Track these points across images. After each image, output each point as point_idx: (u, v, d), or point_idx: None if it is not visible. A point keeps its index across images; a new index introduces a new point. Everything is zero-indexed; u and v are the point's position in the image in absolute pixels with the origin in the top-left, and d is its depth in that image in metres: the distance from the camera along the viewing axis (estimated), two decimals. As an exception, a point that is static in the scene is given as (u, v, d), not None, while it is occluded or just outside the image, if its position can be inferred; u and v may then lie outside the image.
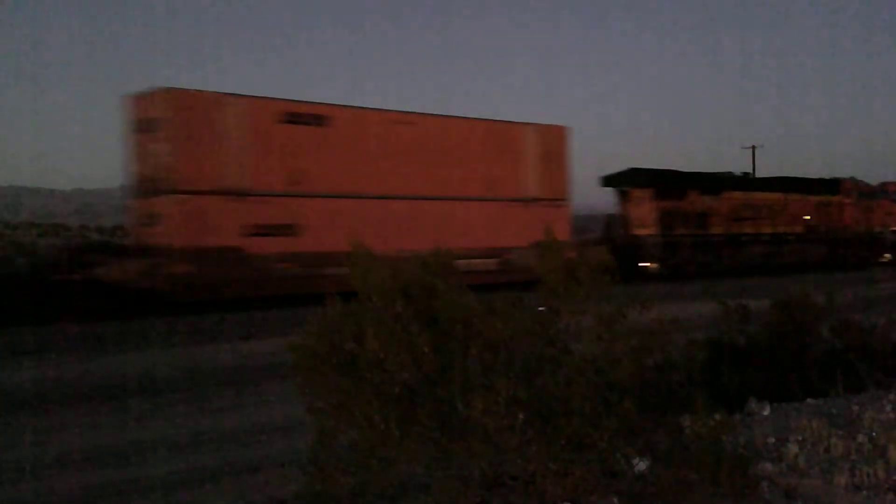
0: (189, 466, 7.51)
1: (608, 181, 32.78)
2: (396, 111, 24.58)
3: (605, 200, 34.45)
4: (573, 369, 4.11)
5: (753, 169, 52.13)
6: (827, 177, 39.42)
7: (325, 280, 17.21)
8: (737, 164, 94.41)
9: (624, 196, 32.47)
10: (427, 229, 22.12)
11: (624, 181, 32.32)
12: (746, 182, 36.27)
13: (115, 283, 18.51)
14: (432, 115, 25.42)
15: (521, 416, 3.95)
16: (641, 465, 4.29)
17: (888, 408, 6.62)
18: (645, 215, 31.58)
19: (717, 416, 4.38)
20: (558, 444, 3.97)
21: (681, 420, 4.35)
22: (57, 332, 15.66)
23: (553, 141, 27.71)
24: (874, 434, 5.88)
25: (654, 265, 30.60)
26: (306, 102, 22.55)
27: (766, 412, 6.73)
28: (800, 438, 5.81)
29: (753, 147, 56.50)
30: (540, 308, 4.54)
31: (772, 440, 5.81)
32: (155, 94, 20.11)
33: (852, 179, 39.99)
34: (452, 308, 4.35)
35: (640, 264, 29.93)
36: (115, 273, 18.81)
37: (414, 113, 24.87)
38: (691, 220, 32.50)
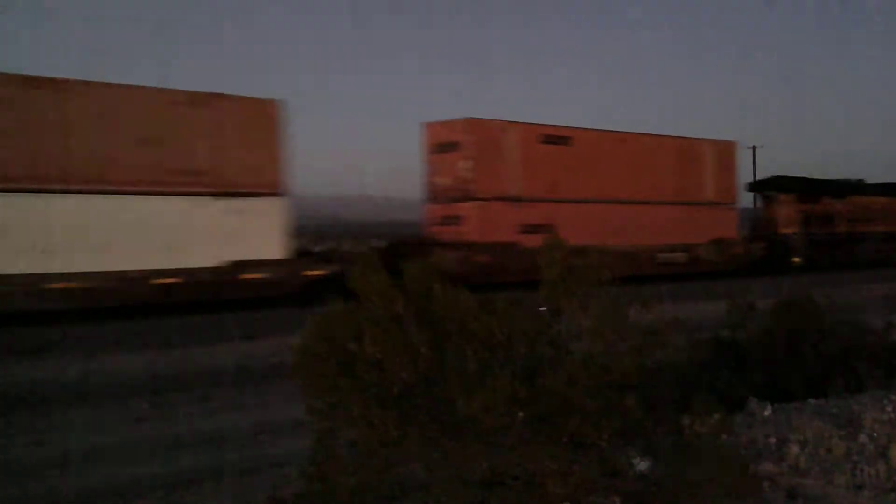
0: (189, 466, 7.51)
1: (754, 187, 38.01)
2: (618, 131, 29.78)
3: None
4: (574, 368, 4.09)
5: (754, 169, 53.79)
6: None
7: None
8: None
9: (770, 200, 36.80)
10: (639, 228, 28.43)
11: (770, 187, 36.87)
12: (864, 187, 40.40)
13: (452, 271, 21.43)
14: (639, 133, 30.85)
15: (520, 414, 3.94)
16: (643, 465, 4.28)
17: (889, 408, 6.61)
18: (790, 216, 35.96)
19: (718, 416, 4.37)
20: (559, 443, 3.96)
21: (682, 420, 4.34)
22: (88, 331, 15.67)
23: (726, 153, 32.77)
24: (875, 434, 5.87)
25: (798, 260, 35.15)
26: (556, 126, 27.77)
27: (768, 412, 6.72)
28: (801, 439, 5.80)
29: (754, 147, 57.05)
30: (541, 308, 4.53)
31: (773, 440, 5.80)
32: (455, 122, 25.93)
33: None
34: (450, 308, 4.34)
35: (791, 259, 34.65)
36: (446, 260, 23.10)
37: (628, 132, 30.30)
38: (824, 221, 37.34)
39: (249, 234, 19.68)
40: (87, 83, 18.38)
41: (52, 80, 17.92)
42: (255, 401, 10.23)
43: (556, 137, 27.19)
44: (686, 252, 30.16)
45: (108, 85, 18.70)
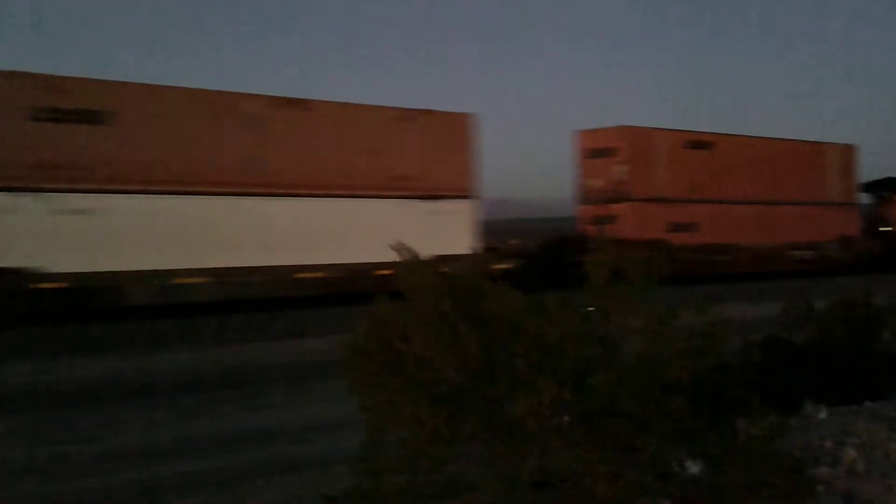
0: (241, 462, 7.61)
1: (868, 187, 38.21)
2: (753, 136, 31.69)
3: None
4: (623, 370, 4.05)
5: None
6: None
7: (716, 264, 28.30)
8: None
9: (884, 199, 37.59)
10: (772, 227, 30.56)
11: (884, 187, 37.66)
12: None
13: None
14: (772, 138, 32.32)
15: (566, 417, 3.91)
16: (694, 467, 4.22)
17: (951, 411, 6.42)
18: None
19: (773, 419, 4.29)
20: (608, 445, 3.93)
21: (735, 422, 4.27)
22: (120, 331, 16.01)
23: (847, 156, 34.46)
24: (936, 438, 5.71)
25: None
26: (698, 132, 29.93)
27: (823, 415, 6.57)
28: (858, 442, 5.66)
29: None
30: (589, 308, 4.50)
31: (829, 444, 5.68)
32: (609, 129, 28.26)
33: None
34: (500, 307, 4.32)
35: None
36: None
37: (761, 137, 31.92)
38: None
39: (446, 232, 22.02)
40: (325, 103, 21.44)
41: (299, 101, 20.96)
42: (306, 398, 10.33)
43: (699, 142, 29.50)
44: (814, 250, 32.08)
45: (341, 104, 21.69)
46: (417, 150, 22.24)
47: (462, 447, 4.24)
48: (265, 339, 15.38)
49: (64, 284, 17.14)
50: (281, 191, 20.01)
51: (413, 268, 4.66)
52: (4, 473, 7.34)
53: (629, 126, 28.26)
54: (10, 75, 16.98)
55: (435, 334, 4.28)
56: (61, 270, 17.11)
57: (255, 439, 8.45)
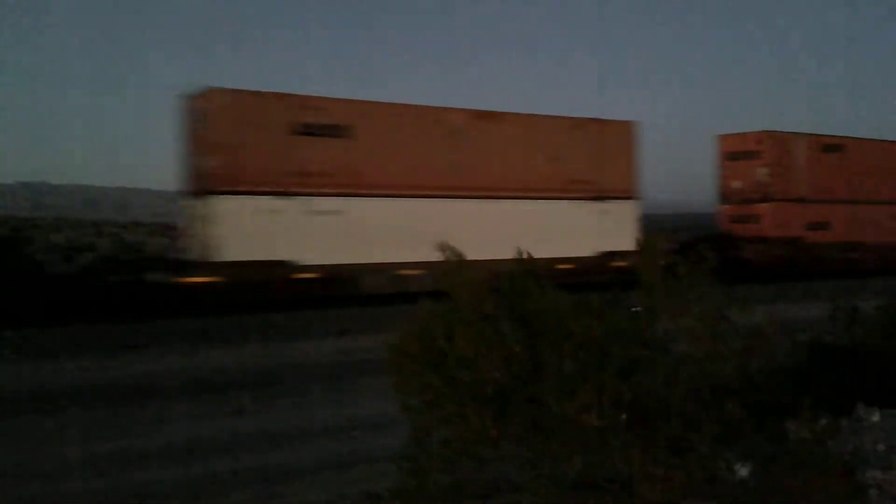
0: (287, 460, 7.67)
1: None
2: (882, 140, 33.71)
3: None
4: (672, 370, 4.00)
5: None
6: None
7: (849, 261, 30.37)
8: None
9: None
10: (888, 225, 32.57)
11: None
12: None
13: (752, 262, 28.56)
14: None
15: (623, 416, 3.88)
16: (743, 470, 4.16)
17: None
18: None
19: (824, 422, 4.21)
20: (658, 447, 3.88)
21: (785, 425, 4.20)
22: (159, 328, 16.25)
23: None
24: None
25: None
26: (832, 136, 31.94)
27: (876, 418, 6.43)
28: (912, 446, 5.53)
29: None
30: (635, 308, 4.45)
31: (881, 447, 5.55)
32: (751, 134, 30.56)
33: None
34: (545, 307, 4.30)
35: None
36: (749, 253, 29.10)
37: (888, 141, 33.82)
38: None
39: (613, 230, 24.43)
40: (514, 114, 24.19)
41: (493, 113, 23.79)
42: (350, 396, 10.38)
43: (833, 146, 31.45)
44: None
45: (527, 115, 24.46)
46: (588, 155, 24.68)
47: (506, 447, 4.22)
48: (309, 338, 15.49)
49: (315, 274, 20.18)
50: (478, 193, 22.75)
51: (456, 268, 4.66)
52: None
53: (770, 131, 30.47)
54: (279, 96, 20.21)
55: (478, 334, 4.27)
56: (313, 262, 20.11)
57: (300, 436, 8.52)
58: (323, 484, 6.77)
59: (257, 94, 20.07)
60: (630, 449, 3.91)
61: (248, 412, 9.63)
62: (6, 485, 7.05)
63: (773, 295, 19.59)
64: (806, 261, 29.94)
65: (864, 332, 7.86)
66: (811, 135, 31.56)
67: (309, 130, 20.27)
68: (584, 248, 23.99)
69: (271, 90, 20.46)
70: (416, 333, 4.49)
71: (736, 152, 30.81)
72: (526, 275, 4.55)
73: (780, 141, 30.41)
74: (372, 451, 7.33)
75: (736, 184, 30.81)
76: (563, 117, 24.83)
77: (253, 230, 19.34)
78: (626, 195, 25.43)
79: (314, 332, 16.09)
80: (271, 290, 19.54)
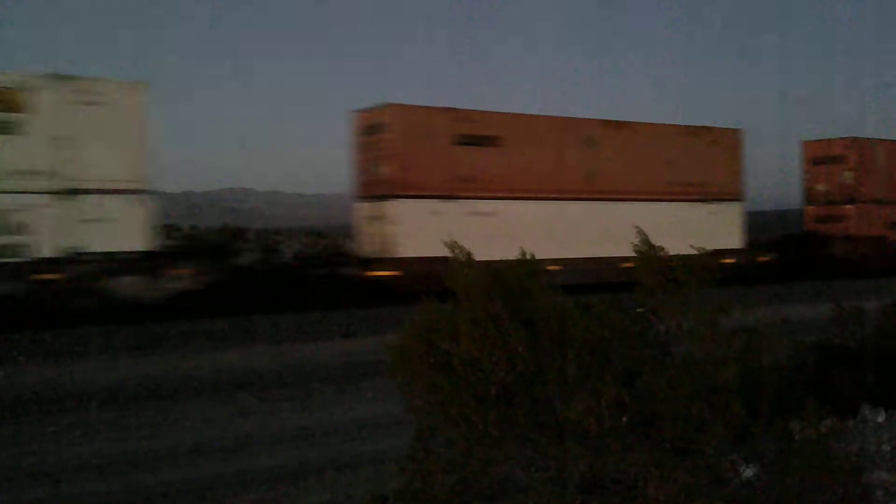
0: (292, 460, 7.69)
1: None
2: None
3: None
4: (676, 371, 4.00)
5: None
6: None
7: None
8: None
9: None
10: None
11: None
12: None
13: (839, 259, 30.56)
14: None
15: (624, 418, 3.88)
16: (748, 471, 4.16)
17: None
18: None
19: (828, 422, 4.20)
20: (663, 448, 3.88)
21: (790, 425, 4.19)
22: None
23: None
24: None
25: None
26: (889, 140, 33.96)
27: (881, 419, 6.42)
28: (918, 446, 5.51)
29: None
30: (638, 309, 4.45)
31: (887, 448, 5.54)
32: (836, 140, 32.33)
33: None
34: (548, 309, 4.30)
35: None
36: (836, 251, 31.02)
37: None
38: None
39: (722, 229, 26.45)
40: (639, 123, 26.60)
41: (622, 123, 26.07)
42: (355, 397, 10.40)
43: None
44: None
45: (650, 124, 27.00)
46: (700, 160, 26.78)
47: (511, 448, 4.22)
48: (315, 340, 15.52)
49: None
50: (608, 196, 24.62)
51: (462, 267, 4.66)
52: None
53: (854, 137, 32.54)
54: (445, 110, 22.77)
55: (483, 335, 4.27)
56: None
57: (307, 437, 8.54)
58: (328, 485, 6.79)
59: (427, 109, 22.73)
60: (634, 451, 3.91)
61: (255, 413, 9.65)
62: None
63: (859, 289, 20.09)
64: (889, 258, 31.80)
65: (870, 331, 7.84)
66: (891, 140, 33.60)
67: (467, 140, 22.77)
68: (696, 246, 24.60)
69: (432, 105, 23.03)
70: (418, 334, 4.49)
71: (821, 157, 32.74)
72: (529, 275, 4.55)
73: (863, 146, 32.34)
74: (377, 452, 7.35)
75: (820, 186, 32.74)
76: (679, 126, 27.01)
77: (423, 229, 21.37)
78: (733, 197, 27.51)
79: (323, 333, 16.10)
80: (440, 283, 20.63)
